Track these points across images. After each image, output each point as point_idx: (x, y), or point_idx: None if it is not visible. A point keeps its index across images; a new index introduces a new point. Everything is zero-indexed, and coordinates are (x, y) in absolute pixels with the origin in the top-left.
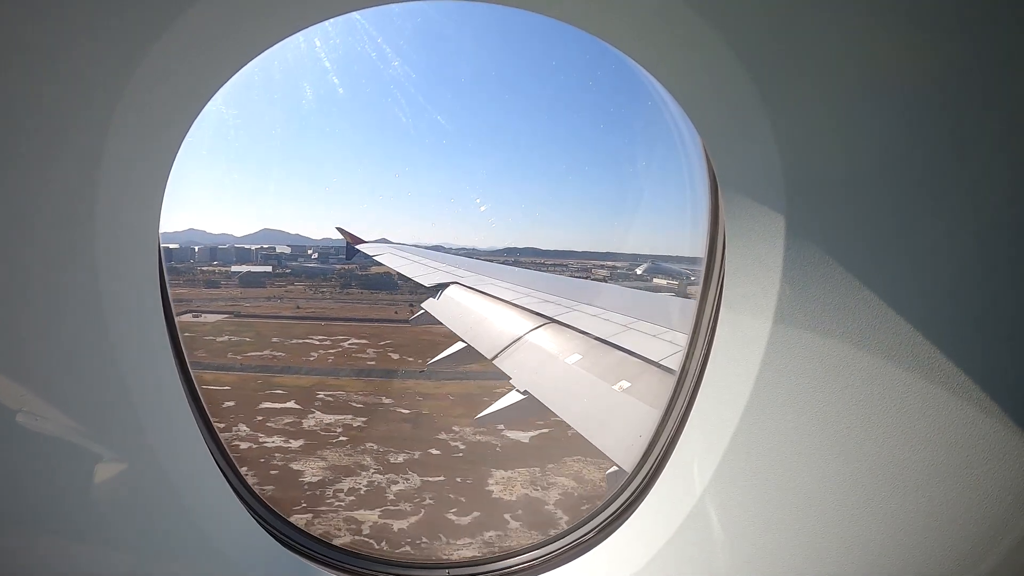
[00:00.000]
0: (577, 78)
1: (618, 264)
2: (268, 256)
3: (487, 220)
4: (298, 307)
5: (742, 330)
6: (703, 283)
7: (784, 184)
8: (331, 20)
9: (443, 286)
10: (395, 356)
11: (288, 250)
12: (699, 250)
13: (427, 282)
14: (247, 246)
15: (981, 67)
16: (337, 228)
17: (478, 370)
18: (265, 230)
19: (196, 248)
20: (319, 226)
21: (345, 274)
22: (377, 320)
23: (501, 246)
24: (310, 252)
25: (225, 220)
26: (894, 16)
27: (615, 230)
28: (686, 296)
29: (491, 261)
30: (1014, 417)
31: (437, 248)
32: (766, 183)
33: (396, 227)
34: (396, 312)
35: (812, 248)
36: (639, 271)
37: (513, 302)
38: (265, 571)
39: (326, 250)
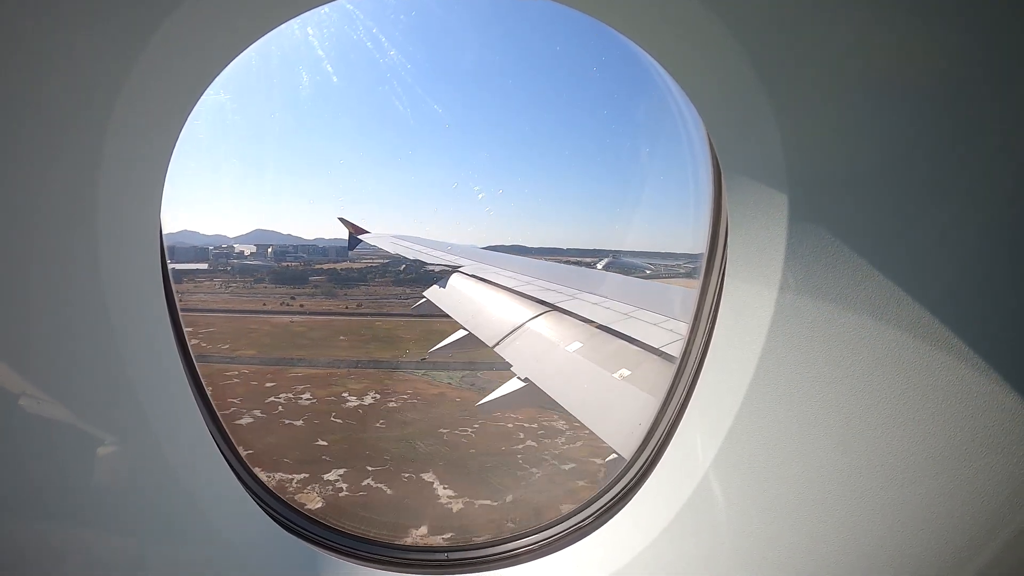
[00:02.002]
0: (580, 66)
1: (585, 259)
2: (219, 254)
3: (484, 210)
4: (180, 299)
5: (743, 317)
6: (704, 271)
7: (787, 174)
8: (325, 12)
9: (444, 274)
10: (193, 342)
11: (253, 248)
12: (683, 246)
13: (433, 265)
14: (209, 246)
15: (985, 62)
16: (339, 219)
17: (253, 355)
18: (258, 230)
19: None
20: (314, 224)
21: (268, 270)
22: (238, 311)
23: (487, 243)
24: (247, 251)
25: (220, 221)
26: (898, 11)
27: (611, 226)
28: None
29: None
30: (1013, 412)
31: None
32: (770, 173)
33: (391, 223)
34: (264, 304)
35: (815, 238)
36: (599, 266)
37: (515, 289)
38: (268, 555)
39: (284, 247)
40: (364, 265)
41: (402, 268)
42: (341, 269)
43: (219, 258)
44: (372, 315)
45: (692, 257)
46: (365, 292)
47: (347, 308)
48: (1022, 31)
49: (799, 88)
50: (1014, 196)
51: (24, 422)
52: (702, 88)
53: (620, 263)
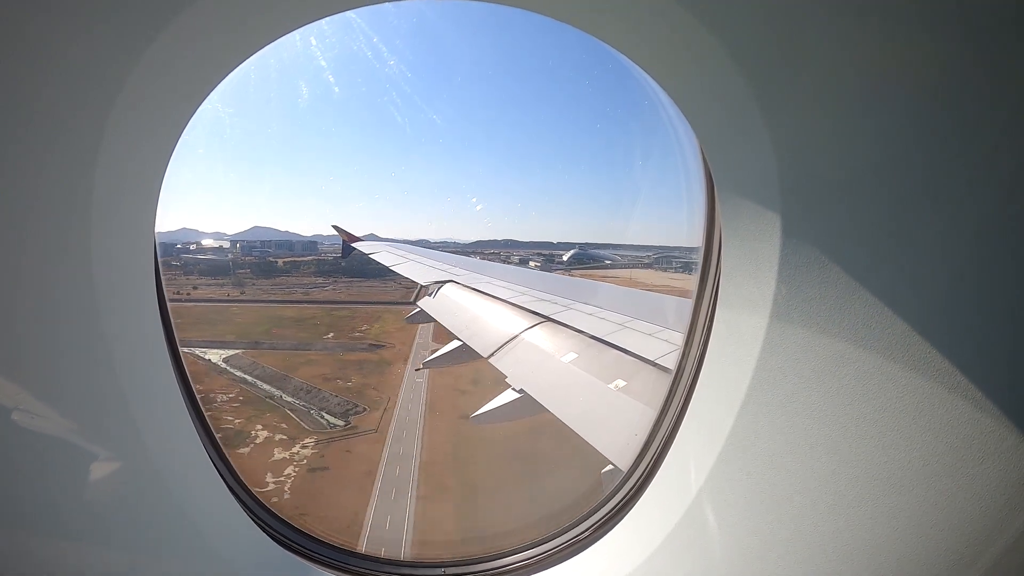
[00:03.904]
0: (574, 78)
1: (555, 252)
2: (182, 251)
3: (483, 219)
4: None
5: (738, 329)
6: (699, 282)
7: (780, 185)
8: (327, 21)
9: (439, 284)
10: None
11: (225, 244)
12: (651, 239)
13: (423, 280)
14: (178, 243)
15: (977, 70)
16: (333, 226)
17: None
18: (256, 227)
19: None
20: (312, 223)
21: (205, 264)
22: None
23: (482, 237)
24: (213, 246)
25: (219, 219)
26: (890, 19)
27: (608, 227)
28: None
29: (466, 253)
30: (1008, 416)
31: (421, 242)
32: (762, 184)
33: (386, 222)
34: (177, 292)
35: (808, 248)
36: (565, 257)
37: (509, 300)
38: (261, 570)
39: (252, 243)
40: (310, 259)
41: (338, 263)
42: (282, 263)
43: (181, 253)
44: (245, 302)
45: (658, 248)
46: (275, 283)
47: (228, 295)
48: (1015, 34)
49: (792, 100)
50: (1007, 207)
51: (13, 430)
52: (694, 101)
53: (586, 253)
